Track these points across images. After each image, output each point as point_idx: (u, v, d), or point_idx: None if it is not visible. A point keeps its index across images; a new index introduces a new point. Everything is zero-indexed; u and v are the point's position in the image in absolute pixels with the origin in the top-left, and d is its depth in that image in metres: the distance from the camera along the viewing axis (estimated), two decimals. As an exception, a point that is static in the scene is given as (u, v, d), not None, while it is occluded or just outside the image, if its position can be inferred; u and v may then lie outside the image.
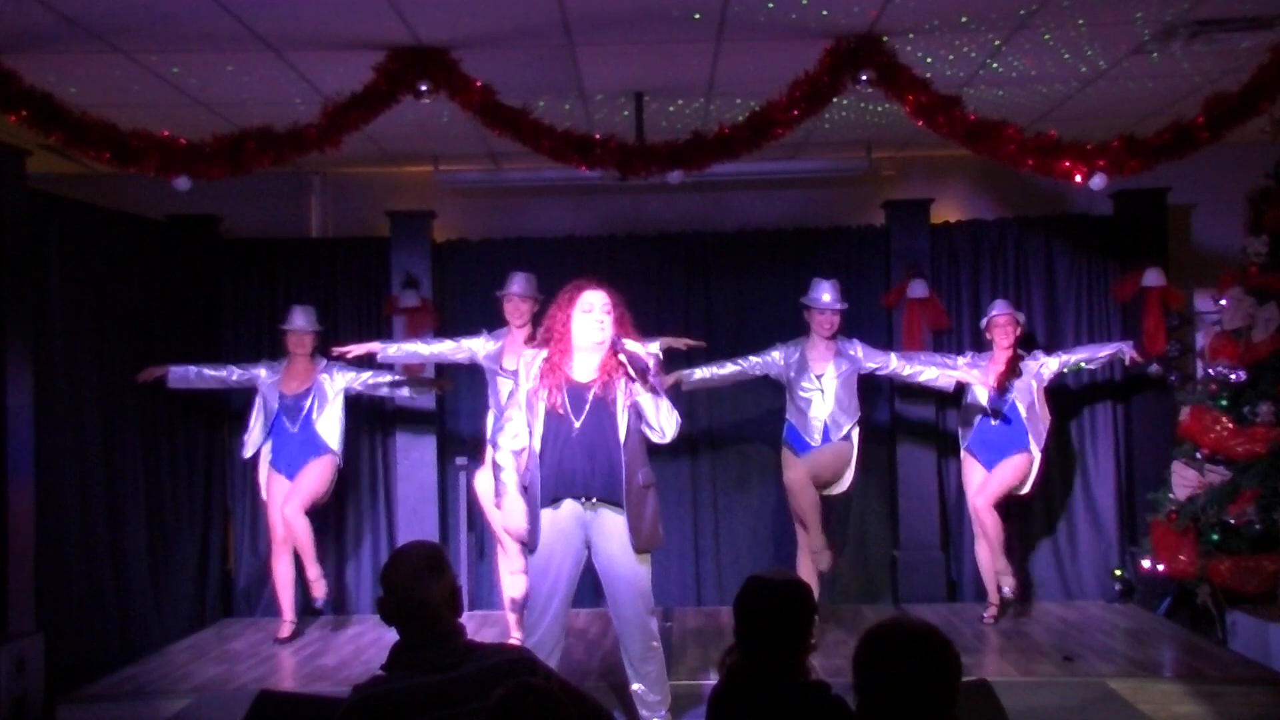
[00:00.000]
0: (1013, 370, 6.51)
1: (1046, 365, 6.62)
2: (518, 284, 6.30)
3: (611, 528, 4.51)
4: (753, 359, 6.51)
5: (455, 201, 7.67)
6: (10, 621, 5.24)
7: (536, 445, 4.55)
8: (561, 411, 4.51)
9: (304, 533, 6.49)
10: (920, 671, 2.27)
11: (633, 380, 4.47)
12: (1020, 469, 6.56)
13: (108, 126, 5.01)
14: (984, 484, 6.58)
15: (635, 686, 4.65)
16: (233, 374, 6.72)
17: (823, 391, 6.34)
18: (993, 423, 6.59)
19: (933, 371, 6.51)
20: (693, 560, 7.49)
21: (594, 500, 4.51)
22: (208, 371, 6.68)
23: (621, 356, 4.45)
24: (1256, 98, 5.00)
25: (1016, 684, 5.17)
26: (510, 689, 2.32)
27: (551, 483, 4.52)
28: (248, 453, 6.71)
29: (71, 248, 6.00)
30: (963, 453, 6.80)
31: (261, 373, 6.69)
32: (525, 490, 4.60)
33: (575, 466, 4.50)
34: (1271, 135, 6.01)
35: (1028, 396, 6.53)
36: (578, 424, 4.50)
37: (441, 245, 7.61)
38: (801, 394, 6.38)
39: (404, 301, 7.24)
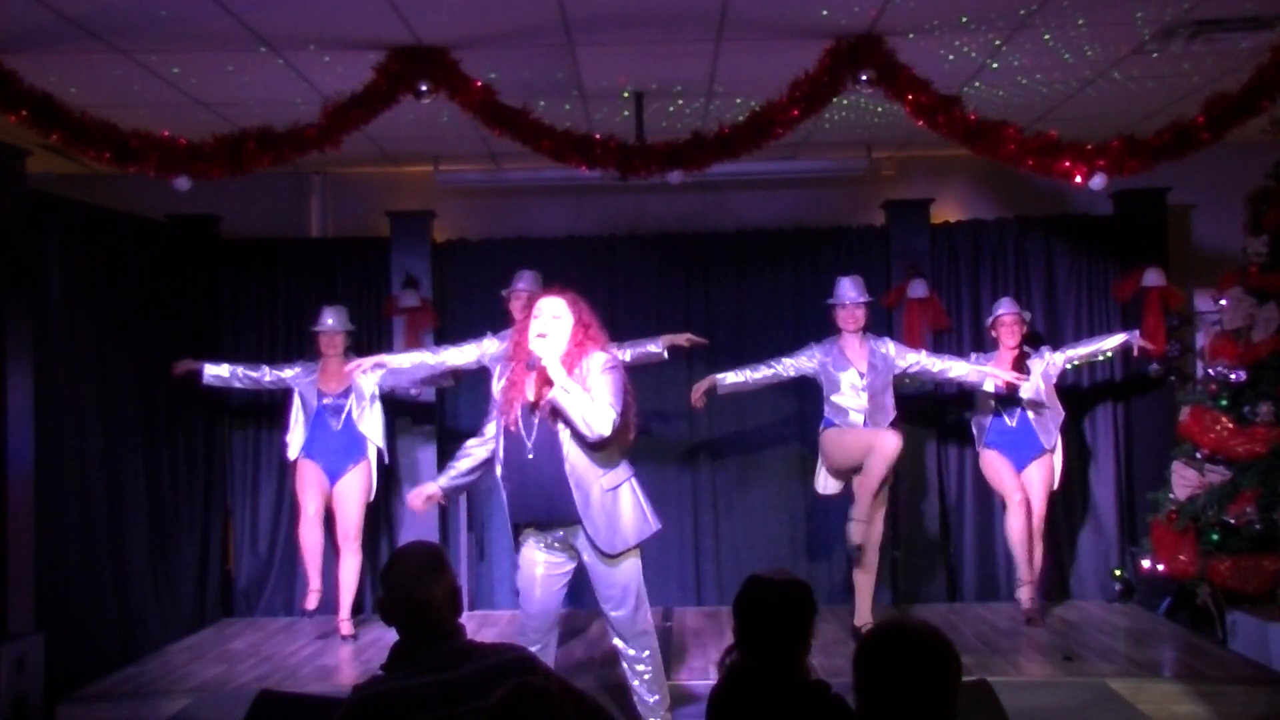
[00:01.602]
0: (1020, 370, 6.51)
1: (1053, 362, 6.63)
2: (526, 280, 6.31)
3: (584, 540, 4.46)
4: (786, 360, 6.41)
5: (455, 201, 7.66)
6: (10, 621, 5.23)
7: (499, 469, 4.51)
8: (515, 431, 4.41)
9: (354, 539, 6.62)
10: (920, 671, 2.26)
11: (548, 385, 4.31)
12: (1052, 467, 6.64)
13: (108, 126, 5.02)
14: (1035, 490, 6.57)
15: (634, 685, 4.64)
16: (265, 375, 6.73)
17: (862, 390, 6.29)
18: (1009, 423, 6.61)
19: (963, 367, 6.48)
20: (693, 560, 7.47)
21: (554, 525, 4.45)
22: (242, 371, 6.69)
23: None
24: (1256, 98, 5.00)
25: (1016, 684, 5.16)
26: (510, 689, 2.32)
27: (514, 506, 4.48)
28: (292, 454, 6.69)
29: (71, 248, 5.99)
30: (983, 451, 6.76)
31: (289, 373, 6.71)
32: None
33: (530, 492, 4.40)
34: (1271, 135, 6.01)
35: (1038, 396, 6.55)
36: (530, 442, 4.37)
37: (441, 245, 7.60)
38: (841, 390, 6.32)
39: (404, 301, 7.23)
